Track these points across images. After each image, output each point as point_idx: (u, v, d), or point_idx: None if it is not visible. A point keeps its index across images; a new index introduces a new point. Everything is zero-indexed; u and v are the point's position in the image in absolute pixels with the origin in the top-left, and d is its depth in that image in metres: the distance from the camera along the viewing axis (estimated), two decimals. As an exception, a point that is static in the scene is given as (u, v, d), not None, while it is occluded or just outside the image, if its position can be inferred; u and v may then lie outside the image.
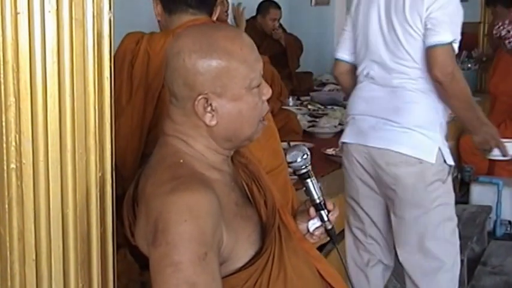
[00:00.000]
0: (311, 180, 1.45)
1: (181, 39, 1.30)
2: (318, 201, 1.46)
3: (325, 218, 1.46)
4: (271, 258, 1.32)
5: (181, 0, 1.90)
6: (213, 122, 1.28)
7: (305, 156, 1.44)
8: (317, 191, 1.46)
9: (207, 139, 1.31)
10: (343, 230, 2.66)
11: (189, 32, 1.32)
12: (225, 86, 1.27)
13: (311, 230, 1.49)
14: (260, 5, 5.10)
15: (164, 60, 1.85)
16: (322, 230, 1.48)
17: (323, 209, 1.46)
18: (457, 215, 3.58)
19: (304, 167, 1.45)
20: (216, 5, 1.98)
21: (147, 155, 1.83)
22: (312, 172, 1.46)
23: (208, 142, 1.31)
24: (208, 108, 1.27)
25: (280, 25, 5.24)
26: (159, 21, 1.99)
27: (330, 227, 1.47)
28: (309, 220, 1.49)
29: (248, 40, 1.31)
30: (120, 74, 1.83)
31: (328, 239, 1.52)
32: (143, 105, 1.84)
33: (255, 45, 1.32)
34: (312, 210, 1.46)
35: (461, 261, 3.10)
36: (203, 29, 1.35)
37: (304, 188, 1.46)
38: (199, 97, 1.26)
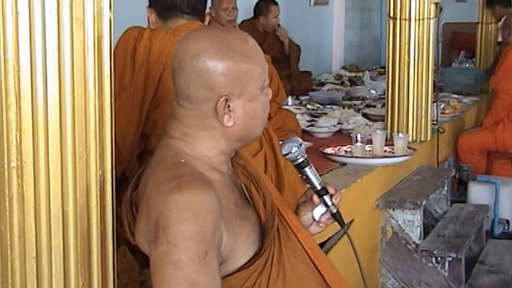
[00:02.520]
0: (309, 168, 1.46)
1: (197, 42, 1.30)
2: (319, 187, 1.46)
3: (329, 203, 1.46)
4: (270, 259, 1.33)
5: (176, 7, 2.03)
6: (230, 123, 1.30)
7: (299, 146, 1.45)
8: (317, 177, 1.46)
9: (217, 140, 1.32)
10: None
11: (203, 35, 1.32)
12: (244, 86, 1.29)
13: (317, 218, 1.49)
14: (258, 6, 5.10)
15: (165, 48, 1.95)
16: (328, 215, 1.48)
17: (326, 194, 1.46)
18: (455, 214, 3.63)
19: (300, 156, 1.45)
20: (205, 13, 2.12)
21: (146, 134, 1.95)
22: (308, 160, 1.47)
23: (217, 143, 1.32)
24: (226, 109, 1.29)
25: (278, 25, 5.25)
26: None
27: (335, 211, 1.47)
28: (313, 209, 1.49)
29: (255, 43, 1.35)
30: (125, 56, 1.95)
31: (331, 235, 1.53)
32: (144, 86, 1.93)
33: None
34: (315, 197, 1.46)
35: (459, 260, 3.13)
36: (214, 31, 1.37)
37: (304, 177, 1.47)
38: (222, 99, 1.28)
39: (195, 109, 1.31)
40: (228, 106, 1.29)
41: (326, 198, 1.46)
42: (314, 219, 1.50)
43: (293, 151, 1.45)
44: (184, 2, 2.02)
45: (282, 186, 2.04)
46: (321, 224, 1.50)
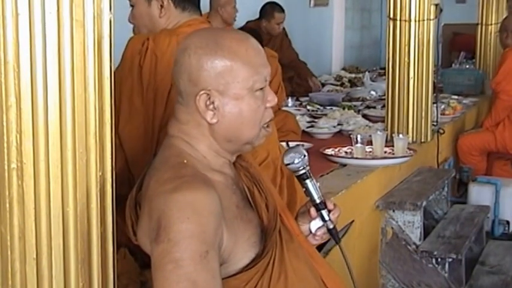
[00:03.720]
0: (310, 181, 1.45)
1: (191, 37, 1.33)
2: (318, 201, 1.45)
3: (326, 218, 1.46)
4: (272, 261, 1.33)
5: (193, 1, 1.98)
6: (214, 120, 1.30)
7: (302, 157, 1.44)
8: (317, 191, 1.46)
9: (209, 139, 1.32)
10: (343, 228, 2.67)
11: (200, 32, 1.36)
12: (227, 84, 1.29)
13: (313, 230, 1.49)
14: (263, 9, 5.08)
15: (171, 60, 1.88)
16: (324, 230, 1.48)
17: (324, 209, 1.46)
18: (456, 215, 3.63)
19: (302, 168, 1.45)
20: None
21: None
22: (310, 172, 1.46)
23: (210, 142, 1.33)
24: (211, 106, 1.29)
25: (283, 29, 5.26)
26: (159, 18, 1.96)
27: (331, 226, 1.47)
28: (310, 221, 1.49)
29: (256, 44, 1.34)
30: (131, 75, 1.85)
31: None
32: (153, 105, 1.85)
33: (263, 50, 1.35)
34: (313, 211, 1.46)
35: (460, 260, 3.13)
36: (213, 29, 1.41)
37: (304, 189, 1.47)
38: (201, 92, 1.28)
39: (186, 104, 1.32)
40: (213, 103, 1.29)
41: (324, 212, 1.46)
42: (310, 232, 1.50)
43: (295, 162, 1.44)
44: None
45: (294, 205, 1.97)
46: (316, 237, 1.50)
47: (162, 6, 1.94)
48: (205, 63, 1.28)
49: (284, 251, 1.37)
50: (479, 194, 4.19)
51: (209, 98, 1.29)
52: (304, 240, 1.48)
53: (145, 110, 1.84)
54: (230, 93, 1.29)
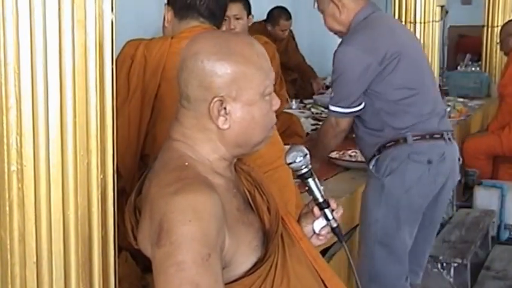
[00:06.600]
0: (312, 180, 1.45)
1: (199, 41, 1.31)
2: (321, 199, 1.45)
3: (330, 216, 1.45)
4: (274, 265, 1.32)
5: (194, 8, 1.98)
6: (226, 126, 1.29)
7: (304, 156, 1.43)
8: (319, 189, 1.45)
9: (215, 143, 1.31)
10: (347, 232, 2.66)
11: (206, 36, 1.34)
12: (240, 90, 1.28)
13: (317, 230, 1.48)
14: (271, 13, 5.05)
15: (161, 62, 1.88)
16: (328, 229, 1.47)
17: (327, 207, 1.45)
18: (461, 220, 3.61)
19: (304, 166, 1.44)
20: (223, 20, 2.06)
21: (145, 155, 1.87)
22: (312, 171, 1.45)
23: (215, 146, 1.31)
24: (222, 112, 1.28)
25: (290, 31, 5.24)
26: (164, 27, 2.04)
27: (335, 225, 1.46)
28: (313, 221, 1.48)
29: (262, 48, 1.34)
30: (119, 79, 1.85)
31: (333, 242, 1.52)
32: (140, 106, 1.87)
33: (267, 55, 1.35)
34: (316, 210, 1.45)
35: (465, 265, 3.11)
36: (219, 33, 1.39)
37: (307, 188, 1.46)
38: (215, 99, 1.27)
39: (193, 109, 1.30)
40: (225, 108, 1.28)
41: (327, 211, 1.45)
42: (314, 232, 1.49)
43: (297, 161, 1.43)
44: (203, 5, 1.97)
45: None
46: (320, 237, 1.49)
47: (166, 16, 1.99)
48: (218, 69, 1.27)
49: (286, 255, 1.36)
50: (485, 198, 4.16)
51: (221, 104, 1.28)
52: (307, 243, 1.46)
53: (129, 110, 1.86)
54: (243, 98, 1.28)
